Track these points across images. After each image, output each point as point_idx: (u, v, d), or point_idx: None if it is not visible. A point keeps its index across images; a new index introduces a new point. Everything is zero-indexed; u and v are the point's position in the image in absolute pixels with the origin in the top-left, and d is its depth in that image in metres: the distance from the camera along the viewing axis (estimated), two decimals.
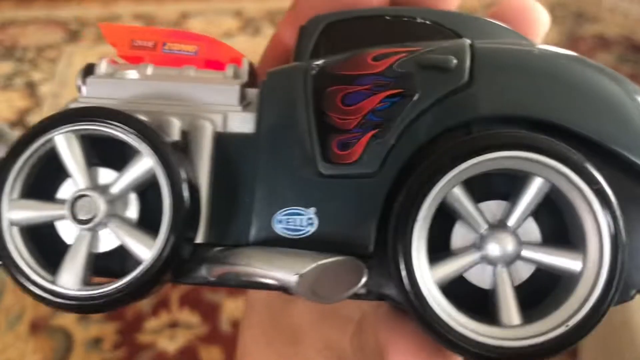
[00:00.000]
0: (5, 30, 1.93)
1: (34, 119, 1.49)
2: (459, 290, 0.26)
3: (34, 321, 0.99)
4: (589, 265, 0.25)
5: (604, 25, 1.90)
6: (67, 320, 0.99)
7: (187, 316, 1.00)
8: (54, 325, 0.98)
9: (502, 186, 0.27)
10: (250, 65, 0.32)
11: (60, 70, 1.73)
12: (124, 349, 0.95)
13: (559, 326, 0.24)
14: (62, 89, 1.63)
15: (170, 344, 0.96)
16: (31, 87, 1.64)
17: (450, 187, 0.25)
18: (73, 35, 1.92)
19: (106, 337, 0.97)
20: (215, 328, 0.98)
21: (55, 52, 1.82)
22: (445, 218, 0.26)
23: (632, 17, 1.75)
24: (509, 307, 0.25)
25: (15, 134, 0.34)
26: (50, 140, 0.27)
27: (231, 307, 1.01)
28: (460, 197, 0.26)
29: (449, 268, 0.26)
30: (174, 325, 0.98)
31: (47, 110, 1.51)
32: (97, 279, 0.28)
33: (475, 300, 0.27)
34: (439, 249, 0.26)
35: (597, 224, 0.25)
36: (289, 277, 0.24)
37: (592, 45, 1.85)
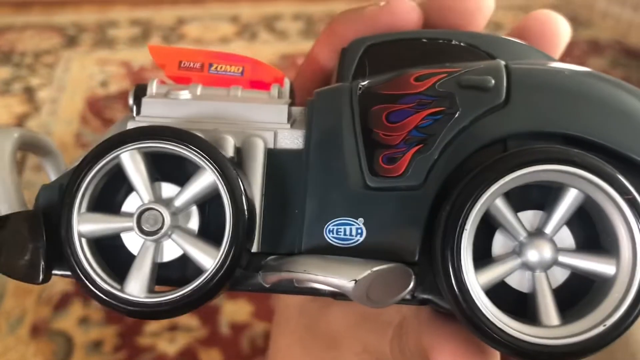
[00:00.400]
0: (2, 36, 1.93)
1: (33, 124, 1.50)
2: (500, 294, 0.28)
3: (35, 324, 0.99)
4: (622, 269, 0.27)
5: (597, 30, 1.92)
6: (68, 323, 1.00)
7: (187, 319, 1.00)
8: (54, 329, 0.99)
9: (538, 197, 0.29)
10: (291, 84, 0.34)
11: (58, 75, 1.73)
12: (124, 352, 0.96)
13: (596, 326, 0.26)
14: (60, 94, 1.64)
15: (170, 347, 0.97)
16: (29, 93, 1.65)
17: (493, 199, 0.27)
18: (70, 41, 1.93)
19: (106, 340, 0.97)
20: (215, 331, 0.99)
21: (53, 58, 1.82)
22: (485, 227, 0.28)
23: (624, 21, 1.77)
24: (548, 309, 0.27)
25: (51, 141, 0.35)
26: (117, 157, 0.28)
27: (230, 310, 1.02)
28: (502, 208, 0.28)
29: (492, 273, 0.28)
30: (173, 328, 0.99)
31: (45, 116, 1.52)
32: (159, 288, 0.29)
33: (515, 302, 0.28)
34: (481, 257, 0.28)
35: (630, 230, 0.26)
36: (346, 283, 0.26)
37: (586, 49, 1.86)
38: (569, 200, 0.27)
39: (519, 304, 0.28)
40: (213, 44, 1.92)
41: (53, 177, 0.36)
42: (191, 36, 1.98)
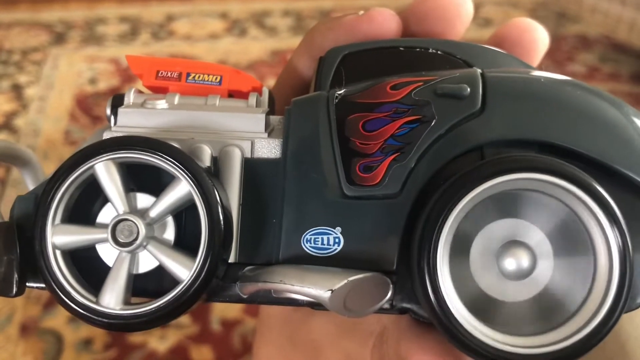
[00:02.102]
0: None
1: (20, 122, 1.49)
2: (473, 299, 0.28)
3: (24, 323, 0.99)
4: (598, 281, 0.27)
5: (585, 25, 1.93)
6: (57, 321, 0.99)
7: None
8: (44, 327, 0.98)
9: (513, 205, 0.29)
10: (270, 93, 0.33)
11: (46, 72, 1.73)
12: (114, 350, 0.96)
13: (571, 336, 0.26)
14: (48, 92, 1.63)
15: (160, 344, 0.97)
16: (17, 90, 1.64)
17: (469, 207, 0.27)
18: (58, 38, 1.92)
19: (96, 338, 0.97)
20: (206, 327, 0.99)
21: (41, 55, 1.81)
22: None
23: (613, 16, 1.77)
24: (520, 318, 0.27)
25: (31, 152, 0.35)
26: (91, 168, 0.28)
27: (221, 306, 1.02)
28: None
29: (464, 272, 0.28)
30: (164, 325, 0.99)
31: (33, 113, 1.51)
32: (135, 299, 0.29)
33: (489, 309, 0.28)
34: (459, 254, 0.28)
35: (607, 241, 0.26)
36: (322, 293, 0.26)
37: (574, 44, 1.87)
38: (553, 213, 0.28)
39: (494, 311, 0.28)
40: (202, 40, 1.92)
41: (32, 188, 0.35)
42: (180, 33, 1.97)
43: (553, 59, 1.73)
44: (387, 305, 0.28)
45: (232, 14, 2.08)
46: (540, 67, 0.34)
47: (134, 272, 0.29)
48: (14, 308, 1.01)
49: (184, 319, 0.99)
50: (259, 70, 1.68)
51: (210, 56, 1.79)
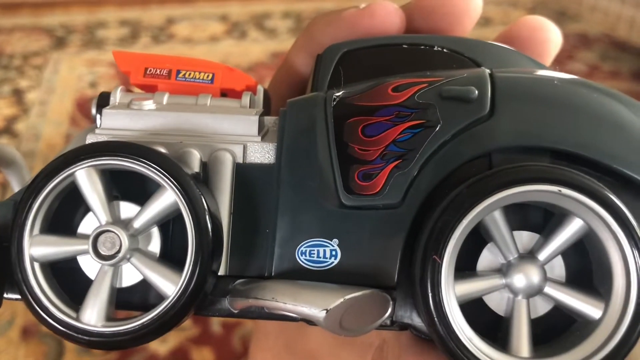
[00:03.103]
0: None
1: (21, 126, 1.49)
2: (476, 312, 0.26)
3: (25, 326, 0.99)
4: (613, 302, 0.25)
5: (586, 24, 1.92)
6: None
7: None
8: (45, 330, 0.98)
9: (538, 219, 0.27)
10: (265, 92, 0.32)
11: (47, 77, 1.73)
12: (115, 353, 0.96)
13: None
14: (49, 96, 1.63)
15: (161, 346, 0.96)
16: (18, 95, 1.64)
17: (475, 221, 0.25)
18: (59, 42, 1.92)
19: None
20: (207, 329, 0.99)
21: (42, 59, 1.81)
22: (475, 238, 0.26)
23: (613, 14, 1.77)
24: (521, 338, 0.25)
25: (14, 151, 0.33)
26: (71, 175, 0.26)
27: None
28: (498, 221, 0.26)
29: (471, 287, 0.26)
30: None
31: (34, 118, 1.51)
32: (120, 313, 0.27)
33: (488, 323, 0.27)
34: (465, 267, 0.27)
35: (625, 260, 0.25)
36: (317, 312, 0.24)
37: (574, 43, 1.87)
38: (572, 230, 0.25)
39: (492, 326, 0.27)
40: (203, 43, 1.92)
41: (17, 190, 0.33)
42: (180, 36, 1.97)
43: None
44: (387, 322, 0.26)
45: (232, 16, 2.07)
46: (553, 68, 0.32)
47: (117, 286, 0.27)
48: (14, 312, 1.01)
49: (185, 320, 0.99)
50: (259, 72, 1.68)
51: (211, 58, 1.78)
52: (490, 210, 0.25)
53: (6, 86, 1.68)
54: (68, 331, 0.26)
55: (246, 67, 1.70)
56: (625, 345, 0.24)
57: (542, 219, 0.27)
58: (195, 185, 0.26)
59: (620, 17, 1.72)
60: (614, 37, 1.81)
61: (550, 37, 0.34)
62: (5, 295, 0.28)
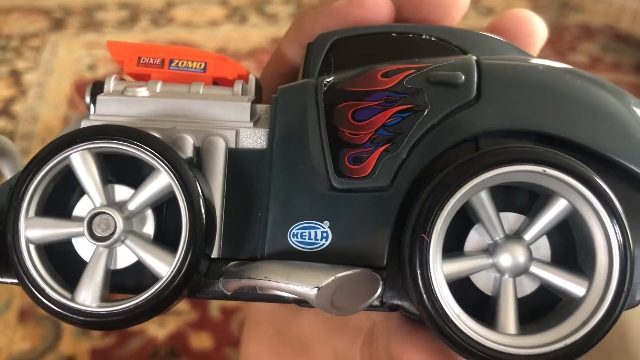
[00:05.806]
0: None
1: (19, 108, 1.48)
2: (464, 291, 0.27)
3: (23, 309, 0.98)
4: (597, 278, 0.26)
5: (588, 15, 1.92)
6: None
7: None
8: (42, 313, 0.98)
9: (523, 200, 0.28)
10: (256, 80, 0.32)
11: (45, 58, 1.71)
12: (113, 336, 0.95)
13: (569, 335, 0.25)
14: (46, 78, 1.62)
15: (159, 331, 0.96)
16: (15, 76, 1.63)
17: (463, 201, 0.26)
18: (57, 24, 1.90)
19: None
20: (205, 314, 0.99)
21: (39, 41, 1.80)
22: (463, 219, 0.27)
23: (616, 6, 1.76)
24: (508, 316, 0.26)
25: (7, 140, 0.33)
26: (67, 158, 0.27)
27: None
28: (485, 202, 0.27)
29: (459, 267, 0.27)
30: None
31: (32, 99, 1.50)
32: (114, 296, 0.28)
33: (476, 302, 0.28)
34: (452, 247, 0.27)
35: (607, 236, 0.25)
36: (309, 290, 0.25)
37: (577, 34, 1.86)
38: (556, 210, 0.26)
39: (480, 305, 0.28)
40: (202, 27, 1.90)
41: (9, 177, 0.33)
42: (180, 19, 1.96)
43: (555, 48, 1.72)
44: (376, 303, 0.27)
45: (233, 1, 2.06)
46: (539, 56, 0.33)
47: (112, 267, 0.28)
48: (12, 294, 1.00)
49: (183, 305, 0.99)
50: (258, 58, 1.67)
51: (210, 43, 1.78)
52: (477, 190, 0.26)
53: (4, 67, 1.66)
54: (63, 312, 0.26)
55: (246, 52, 1.69)
56: (608, 319, 0.25)
57: (527, 201, 0.28)
58: (189, 168, 0.27)
59: (624, 8, 1.72)
60: (616, 28, 1.81)
61: (536, 30, 0.35)
62: (1, 279, 0.28)
